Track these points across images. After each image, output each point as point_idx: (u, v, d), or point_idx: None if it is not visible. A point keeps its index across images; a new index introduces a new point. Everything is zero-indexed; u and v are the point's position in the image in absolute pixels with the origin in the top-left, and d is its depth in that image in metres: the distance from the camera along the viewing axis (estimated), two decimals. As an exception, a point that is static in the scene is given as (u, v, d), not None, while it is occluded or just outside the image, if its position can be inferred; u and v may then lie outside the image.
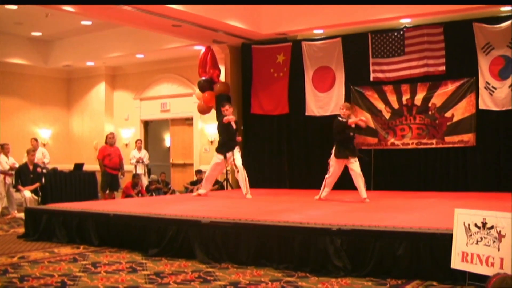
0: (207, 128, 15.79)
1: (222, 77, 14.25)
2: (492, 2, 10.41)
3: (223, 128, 10.72)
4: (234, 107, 12.72)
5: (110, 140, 14.05)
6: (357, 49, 12.74)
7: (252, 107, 13.81)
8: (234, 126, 10.77)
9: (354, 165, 9.58)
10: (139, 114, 17.64)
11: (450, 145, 11.87)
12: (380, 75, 12.51)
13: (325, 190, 9.91)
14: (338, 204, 9.19)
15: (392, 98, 12.41)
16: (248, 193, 10.52)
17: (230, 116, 10.67)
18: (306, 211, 7.96)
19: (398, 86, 12.31)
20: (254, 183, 11.72)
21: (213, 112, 14.04)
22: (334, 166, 9.70)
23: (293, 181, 13.52)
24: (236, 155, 10.57)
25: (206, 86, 14.00)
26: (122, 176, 14.56)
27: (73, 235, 8.32)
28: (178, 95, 16.77)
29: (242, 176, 10.54)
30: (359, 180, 9.56)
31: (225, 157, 10.62)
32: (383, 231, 6.01)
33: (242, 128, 13.73)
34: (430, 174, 12.15)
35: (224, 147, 10.70)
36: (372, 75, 12.58)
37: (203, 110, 14.31)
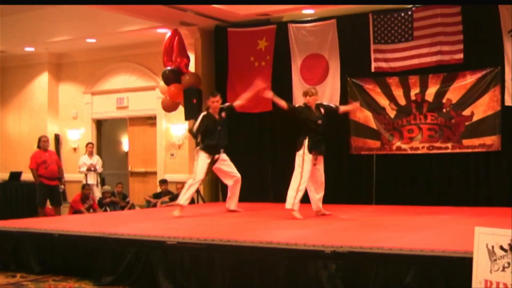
0: (174, 129, 15.76)
1: (191, 67, 14.23)
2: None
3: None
4: (205, 103, 12.65)
5: (45, 144, 13.81)
6: (355, 33, 12.83)
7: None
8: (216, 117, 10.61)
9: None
10: (90, 112, 17.57)
11: (469, 150, 11.93)
12: (384, 64, 12.58)
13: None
14: (332, 221, 9.18)
15: (398, 93, 12.46)
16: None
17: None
18: (294, 229, 7.95)
19: (405, 78, 12.36)
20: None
21: (181, 109, 14.01)
22: None
23: (279, 193, 12.93)
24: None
25: (172, 77, 13.97)
26: (62, 187, 14.44)
27: (8, 261, 8.22)
28: (138, 89, 16.72)
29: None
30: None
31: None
32: (387, 254, 6.01)
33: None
34: (444, 185, 12.21)
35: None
36: (373, 65, 12.66)
37: (169, 107, 14.29)
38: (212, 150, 10.52)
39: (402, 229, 8.13)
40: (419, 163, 12.38)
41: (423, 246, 6.19)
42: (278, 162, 13.66)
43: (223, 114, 10.60)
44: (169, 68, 14.09)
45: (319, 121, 9.80)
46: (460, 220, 9.18)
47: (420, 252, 5.96)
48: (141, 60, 16.61)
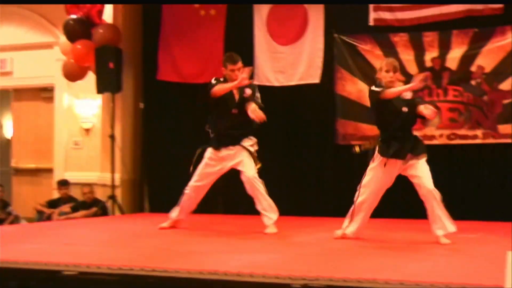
0: (79, 106, 15.70)
1: (107, 16, 14.27)
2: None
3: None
4: (130, 69, 12.60)
5: None
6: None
7: (160, 71, 13.82)
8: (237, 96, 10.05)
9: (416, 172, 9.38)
10: (-47, 80, 17.28)
11: (509, 140, 12.04)
12: (387, 15, 12.72)
13: (356, 220, 9.39)
14: (309, 241, 9.17)
15: (408, 57, 12.62)
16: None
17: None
18: (252, 254, 7.94)
19: (418, 35, 12.54)
20: (161, 204, 11.86)
21: (91, 77, 14.01)
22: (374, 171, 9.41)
23: (231, 201, 13.53)
24: (243, 156, 10.21)
25: (78, 31, 13.97)
26: None
27: None
28: (28, 47, 16.59)
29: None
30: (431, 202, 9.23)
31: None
32: (382, 289, 5.98)
33: (142, 107, 13.96)
34: (471, 190, 12.31)
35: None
36: (372, 16, 12.80)
37: (73, 74, 14.30)
38: (219, 143, 10.18)
39: (409, 254, 8.12)
40: (436, 158, 11.70)
41: (434, 278, 6.17)
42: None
43: (247, 91, 9.95)
44: (74, 16, 14.02)
45: (404, 109, 9.06)
46: (492, 240, 9.25)
47: (430, 287, 5.92)
48: (31, 5, 16.32)
